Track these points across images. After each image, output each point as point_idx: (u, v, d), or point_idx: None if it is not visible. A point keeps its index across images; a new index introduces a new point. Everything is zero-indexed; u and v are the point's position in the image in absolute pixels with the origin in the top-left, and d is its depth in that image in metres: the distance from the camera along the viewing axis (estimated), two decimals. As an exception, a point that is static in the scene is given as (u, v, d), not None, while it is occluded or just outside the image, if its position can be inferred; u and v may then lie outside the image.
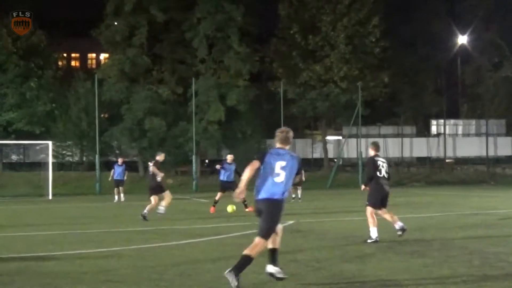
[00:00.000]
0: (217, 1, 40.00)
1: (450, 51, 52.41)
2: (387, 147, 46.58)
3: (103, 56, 56.86)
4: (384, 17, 42.59)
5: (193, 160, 37.64)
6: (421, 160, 50.35)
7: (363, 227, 14.56)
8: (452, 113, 55.31)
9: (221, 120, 39.93)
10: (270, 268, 7.61)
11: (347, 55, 41.69)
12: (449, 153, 49.83)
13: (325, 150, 46.20)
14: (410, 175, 43.92)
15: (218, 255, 10.36)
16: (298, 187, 24.29)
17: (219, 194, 19.99)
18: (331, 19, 41.67)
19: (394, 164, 46.36)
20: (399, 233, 11.67)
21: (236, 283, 7.09)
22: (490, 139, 48.74)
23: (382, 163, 11.58)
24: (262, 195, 7.51)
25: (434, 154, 50.02)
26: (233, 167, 20.09)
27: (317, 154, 48.53)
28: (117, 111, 41.13)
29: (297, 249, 10.92)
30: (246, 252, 7.33)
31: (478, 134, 51.55)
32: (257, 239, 7.43)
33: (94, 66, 62.48)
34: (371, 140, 46.43)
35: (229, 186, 19.57)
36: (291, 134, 7.96)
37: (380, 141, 47.05)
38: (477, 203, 22.26)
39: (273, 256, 7.66)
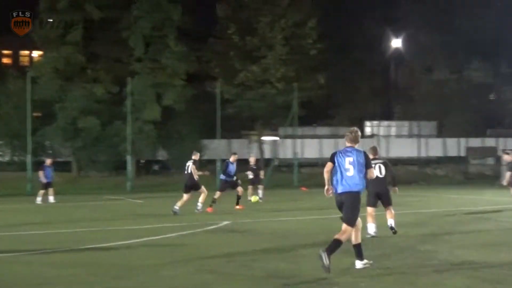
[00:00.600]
0: (154, 0, 39.65)
1: (384, 54, 53.60)
2: (322, 148, 47.10)
3: (36, 53, 55.51)
4: (321, 19, 43.04)
5: (128, 160, 37.14)
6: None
7: (298, 227, 14.70)
8: (386, 115, 56.50)
9: (157, 119, 39.59)
10: (358, 264, 8.87)
11: (284, 56, 41.94)
12: (383, 154, 50.66)
13: (261, 151, 46.39)
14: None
15: (153, 256, 10.27)
16: (259, 186, 24.23)
17: (218, 193, 20.12)
18: (269, 20, 41.85)
19: (322, 166, 46.84)
20: (392, 230, 12.54)
21: (327, 262, 8.11)
22: (422, 140, 49.97)
23: (379, 165, 12.28)
24: (341, 189, 8.79)
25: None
26: (235, 166, 20.60)
27: (253, 155, 48.57)
28: (50, 110, 40.20)
29: (233, 249, 10.94)
30: (336, 236, 8.50)
31: (410, 136, 52.72)
32: (344, 227, 8.66)
33: (27, 63, 60.90)
34: (307, 140, 47.41)
35: (229, 185, 20.39)
36: (359, 133, 9.30)
37: (316, 142, 47.80)
38: (409, 202, 22.73)
39: (358, 251, 8.91)
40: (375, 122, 52.85)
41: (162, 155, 43.64)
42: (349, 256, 9.14)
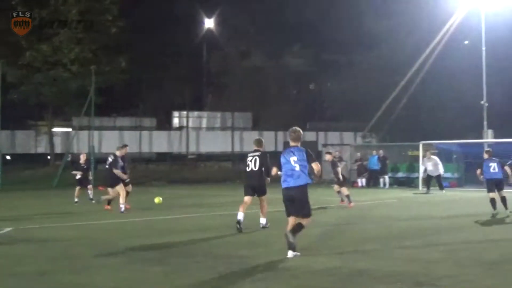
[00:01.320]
0: None
1: (196, 36, 53.88)
2: (124, 141, 46.55)
3: None
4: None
5: None
6: (162, 156, 51.11)
7: (91, 233, 14.38)
8: (197, 105, 56.70)
9: None
10: (290, 254, 10.56)
11: (80, 34, 40.92)
12: (192, 149, 51.13)
13: (52, 144, 44.94)
14: (149, 172, 44.28)
15: None
16: (88, 186, 24.58)
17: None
18: (61, -11, 40.58)
19: (131, 160, 46.45)
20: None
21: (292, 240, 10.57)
22: (236, 133, 51.08)
23: (255, 158, 14.83)
24: (289, 184, 10.89)
25: (175, 149, 51.05)
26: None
27: (42, 149, 46.96)
28: None
29: (16, 260, 10.46)
30: (295, 226, 10.73)
31: (223, 128, 53.68)
32: (300, 219, 10.83)
33: None
34: (105, 132, 46.59)
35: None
36: (301, 132, 11.46)
37: (116, 134, 47.17)
38: (221, 203, 23.13)
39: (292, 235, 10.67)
40: (184, 113, 53.08)
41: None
42: (154, 264, 8.98)
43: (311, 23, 51.02)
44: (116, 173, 19.70)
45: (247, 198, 14.66)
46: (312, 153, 11.23)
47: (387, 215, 14.19)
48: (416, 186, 33.39)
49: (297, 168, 10.83)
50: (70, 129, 47.48)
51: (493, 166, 18.71)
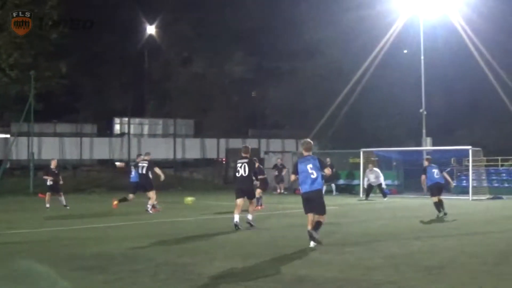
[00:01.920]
0: None
1: (138, 42, 53.53)
2: (64, 148, 45.94)
3: None
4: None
5: None
6: (103, 163, 50.51)
7: (32, 241, 14.17)
8: (138, 111, 56.24)
9: None
10: (312, 244, 12.62)
11: (19, 39, 40.24)
12: (134, 156, 50.54)
13: (-11, 151, 44.08)
14: (90, 179, 43.74)
15: None
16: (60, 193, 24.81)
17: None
18: (0, -6, 39.87)
19: (72, 167, 45.83)
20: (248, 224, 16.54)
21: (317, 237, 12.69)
22: (178, 140, 50.83)
23: (244, 164, 16.43)
24: (307, 188, 12.95)
25: (117, 156, 50.51)
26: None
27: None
28: None
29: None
30: (314, 223, 12.88)
31: (165, 135, 53.38)
32: (318, 216, 12.97)
33: None
34: (45, 139, 45.83)
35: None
36: (312, 143, 13.69)
37: (56, 140, 46.43)
38: (164, 209, 23.04)
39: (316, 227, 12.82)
40: (125, 119, 52.60)
41: None
42: (96, 273, 8.86)
43: (253, 30, 51.22)
44: (159, 172, 22.41)
45: (239, 201, 16.29)
46: (323, 160, 13.79)
47: (328, 222, 14.24)
48: (357, 193, 33.81)
49: (314, 175, 12.84)
50: (8, 135, 46.55)
51: (436, 172, 20.08)
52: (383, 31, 40.37)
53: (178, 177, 44.90)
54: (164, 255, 11.76)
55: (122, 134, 51.93)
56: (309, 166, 12.86)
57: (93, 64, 49.80)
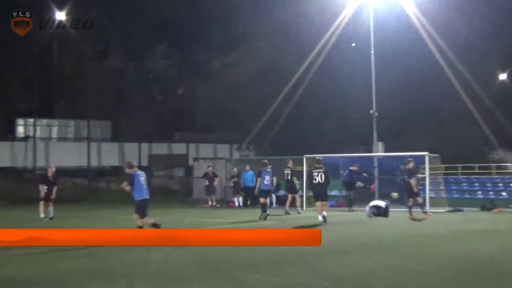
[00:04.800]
0: None
1: (44, 32, 52.36)
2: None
3: None
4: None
5: None
6: (4, 171, 49.34)
7: None
8: (46, 111, 55.15)
9: None
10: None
11: None
12: (41, 162, 49.63)
13: None
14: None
15: None
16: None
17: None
18: None
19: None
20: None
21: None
22: (93, 145, 50.13)
23: (321, 174, 24.09)
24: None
25: (20, 163, 49.56)
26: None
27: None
28: None
29: None
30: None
31: (78, 139, 52.66)
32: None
33: None
34: None
35: None
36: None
37: None
38: (76, 226, 22.58)
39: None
40: (30, 121, 51.78)
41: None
42: None
43: (178, 21, 50.89)
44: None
45: (318, 203, 23.86)
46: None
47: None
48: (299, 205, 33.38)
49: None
50: None
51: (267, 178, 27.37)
52: (329, 22, 40.16)
53: (93, 188, 44.28)
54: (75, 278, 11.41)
55: (26, 138, 51.02)
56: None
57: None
